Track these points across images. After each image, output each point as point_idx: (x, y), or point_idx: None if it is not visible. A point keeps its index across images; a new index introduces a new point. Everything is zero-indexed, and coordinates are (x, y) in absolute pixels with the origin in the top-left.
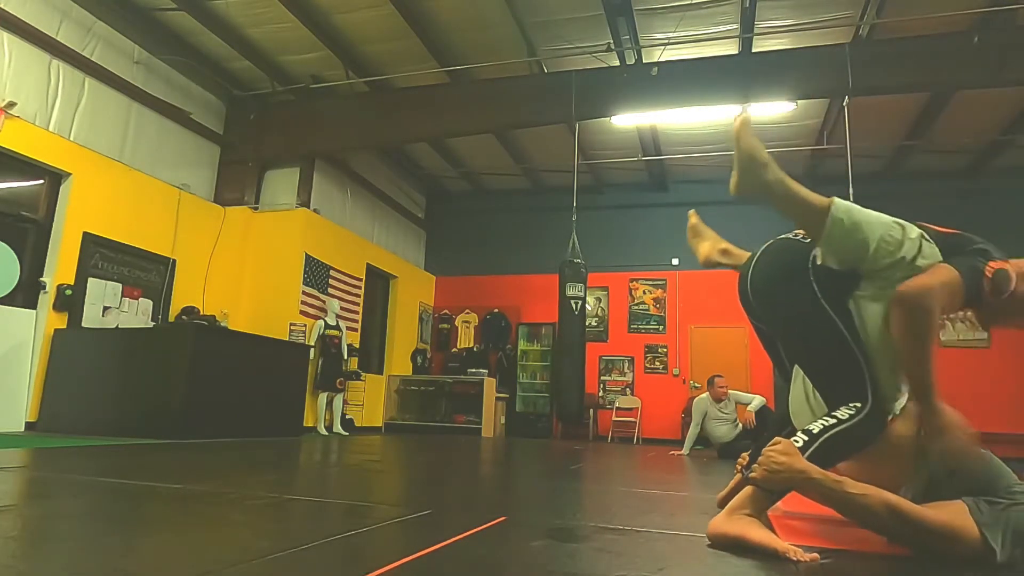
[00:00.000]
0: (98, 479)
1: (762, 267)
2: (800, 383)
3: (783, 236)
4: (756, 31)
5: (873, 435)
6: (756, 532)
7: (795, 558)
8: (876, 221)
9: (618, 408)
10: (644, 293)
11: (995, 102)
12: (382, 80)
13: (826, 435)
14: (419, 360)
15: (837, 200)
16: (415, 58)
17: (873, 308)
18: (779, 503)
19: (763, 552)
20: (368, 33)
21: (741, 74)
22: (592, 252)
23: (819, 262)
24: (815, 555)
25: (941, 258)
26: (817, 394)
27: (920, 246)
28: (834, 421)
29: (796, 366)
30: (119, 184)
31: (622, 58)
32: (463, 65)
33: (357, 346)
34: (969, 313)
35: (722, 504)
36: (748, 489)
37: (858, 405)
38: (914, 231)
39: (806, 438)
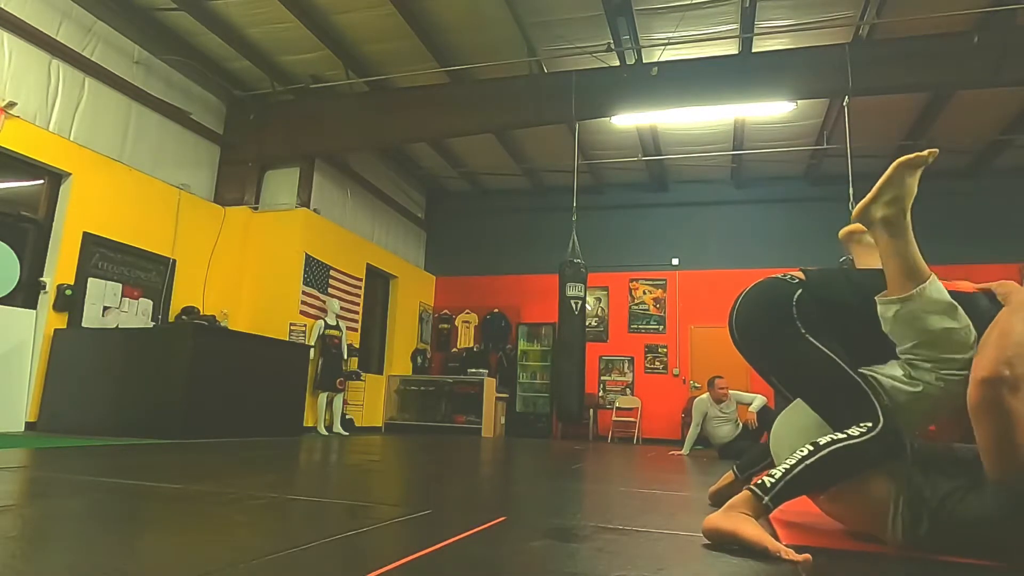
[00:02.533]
0: (98, 479)
1: (745, 304)
2: (791, 414)
3: (772, 276)
4: (756, 31)
5: (883, 456)
6: (749, 530)
7: (787, 558)
8: (963, 316)
9: (618, 408)
10: (644, 293)
11: (995, 102)
12: (382, 80)
13: (834, 447)
14: (419, 360)
15: (935, 276)
16: (415, 58)
17: (920, 384)
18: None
19: (754, 550)
20: (368, 33)
21: (741, 74)
22: (592, 252)
23: (884, 328)
24: (807, 555)
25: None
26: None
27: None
28: (843, 436)
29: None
30: (119, 184)
31: (622, 58)
32: (463, 65)
33: (357, 346)
34: None
35: (713, 499)
36: (746, 492)
37: (869, 424)
38: (974, 350)
39: (811, 447)
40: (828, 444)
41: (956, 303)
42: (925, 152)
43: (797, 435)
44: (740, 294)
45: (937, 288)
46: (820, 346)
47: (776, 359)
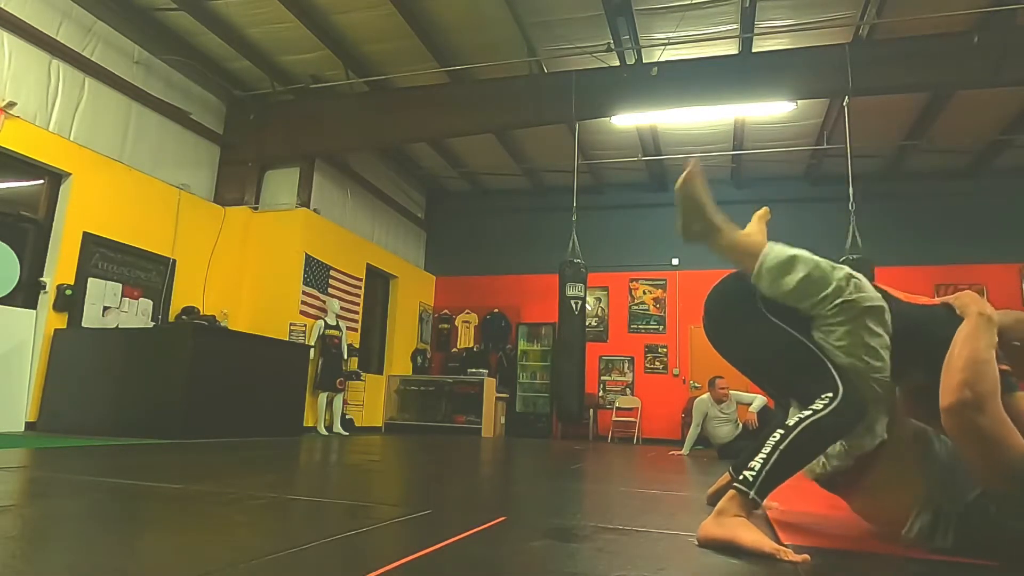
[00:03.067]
0: (98, 479)
1: (714, 293)
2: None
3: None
4: (756, 31)
5: (850, 423)
6: (746, 534)
7: (786, 559)
8: (805, 260)
9: (618, 408)
10: (644, 293)
11: (995, 102)
12: (382, 80)
13: (802, 425)
14: (419, 360)
15: (772, 244)
16: (415, 58)
17: (834, 334)
18: (776, 502)
19: (754, 554)
20: (368, 33)
21: (741, 74)
22: (592, 252)
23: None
24: (806, 556)
25: (876, 293)
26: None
27: (850, 283)
28: (809, 412)
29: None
30: (119, 184)
31: (622, 58)
32: (463, 65)
33: (357, 346)
34: None
35: (711, 500)
36: (732, 492)
37: (830, 395)
38: (842, 271)
39: (782, 431)
40: (797, 424)
41: (795, 253)
42: (690, 165)
43: None
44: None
45: (775, 254)
46: (782, 324)
47: (743, 342)
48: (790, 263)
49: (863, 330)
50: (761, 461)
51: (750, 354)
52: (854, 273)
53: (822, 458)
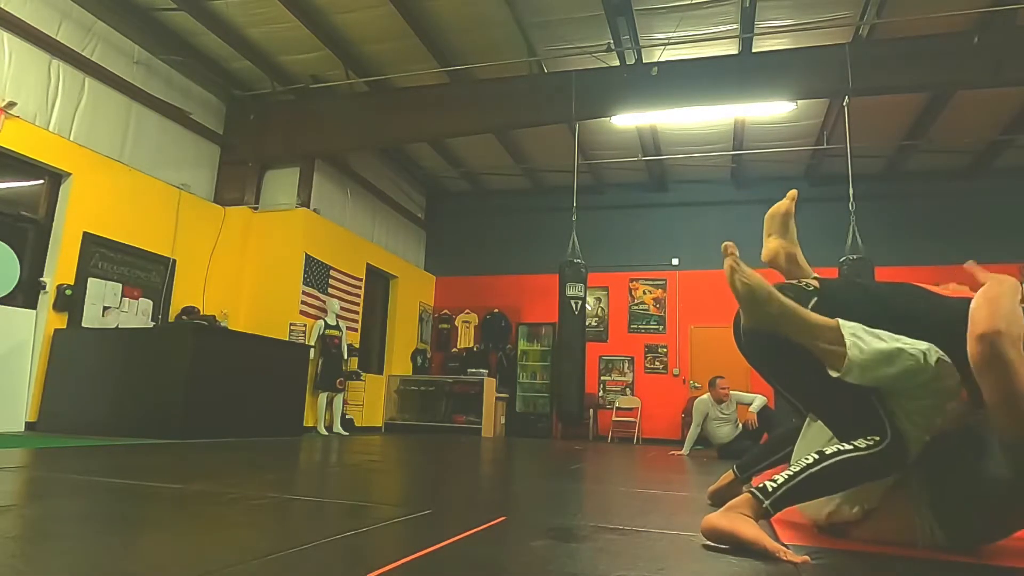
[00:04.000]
0: (98, 479)
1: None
2: (812, 432)
3: (788, 283)
4: (756, 31)
5: (889, 469)
6: (748, 530)
7: (785, 558)
8: (902, 352)
9: (618, 408)
10: (644, 293)
11: (995, 102)
12: (382, 80)
13: (840, 457)
14: (419, 360)
15: (845, 326)
16: (415, 58)
17: (911, 401)
18: None
19: (753, 550)
20: (368, 33)
21: (741, 74)
22: (592, 252)
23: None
24: (806, 557)
25: (958, 376)
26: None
27: (946, 368)
28: (850, 447)
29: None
30: (119, 184)
31: (622, 58)
32: (463, 65)
33: (357, 346)
34: None
35: (712, 498)
36: (747, 495)
37: (877, 438)
38: (934, 354)
39: (817, 456)
40: (834, 454)
41: (892, 346)
42: (726, 250)
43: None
44: None
45: (859, 348)
46: None
47: (783, 367)
48: (889, 357)
49: (940, 402)
50: (786, 477)
51: (788, 378)
52: (942, 355)
53: (832, 506)
